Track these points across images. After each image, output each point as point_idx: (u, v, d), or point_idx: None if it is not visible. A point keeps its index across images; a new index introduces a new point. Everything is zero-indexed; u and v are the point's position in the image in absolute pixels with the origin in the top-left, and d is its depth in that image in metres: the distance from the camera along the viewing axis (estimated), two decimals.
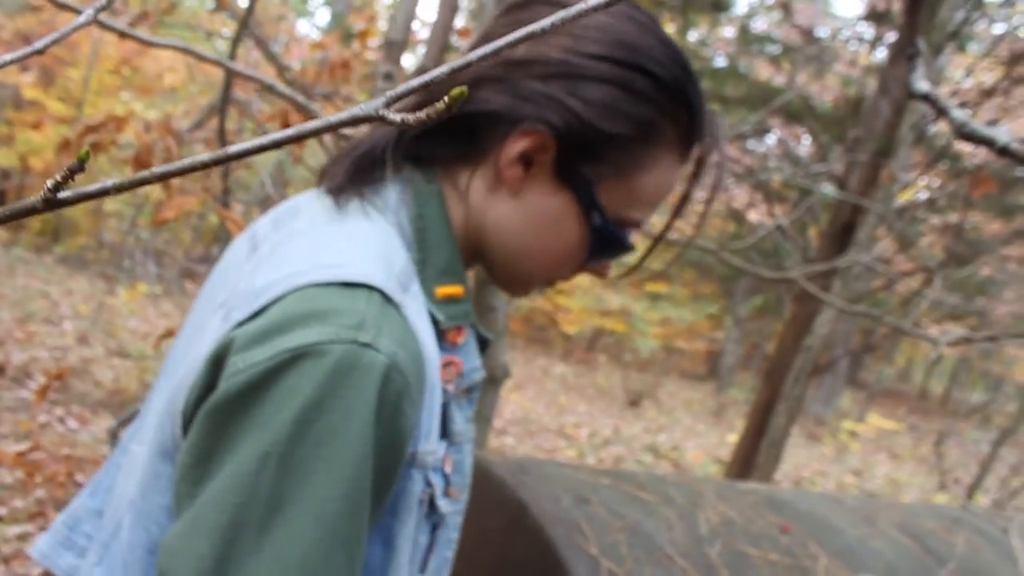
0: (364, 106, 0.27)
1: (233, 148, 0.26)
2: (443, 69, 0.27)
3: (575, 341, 15.67)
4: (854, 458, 10.31)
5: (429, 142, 0.82)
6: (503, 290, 0.93)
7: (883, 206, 4.40)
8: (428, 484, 0.75)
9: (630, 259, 0.99)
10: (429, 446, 0.73)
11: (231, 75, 2.03)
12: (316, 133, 0.26)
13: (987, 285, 8.94)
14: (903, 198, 6.49)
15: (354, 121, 0.27)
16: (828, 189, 4.75)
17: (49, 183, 0.26)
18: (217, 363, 0.66)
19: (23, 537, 3.33)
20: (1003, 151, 0.72)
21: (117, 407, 5.13)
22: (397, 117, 0.27)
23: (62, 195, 0.26)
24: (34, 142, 8.95)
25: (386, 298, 0.68)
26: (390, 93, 0.27)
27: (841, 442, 10.89)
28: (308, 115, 1.99)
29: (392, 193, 0.80)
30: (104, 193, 0.25)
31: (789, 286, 5.21)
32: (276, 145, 0.26)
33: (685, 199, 0.89)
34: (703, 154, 0.86)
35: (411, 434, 0.69)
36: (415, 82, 0.27)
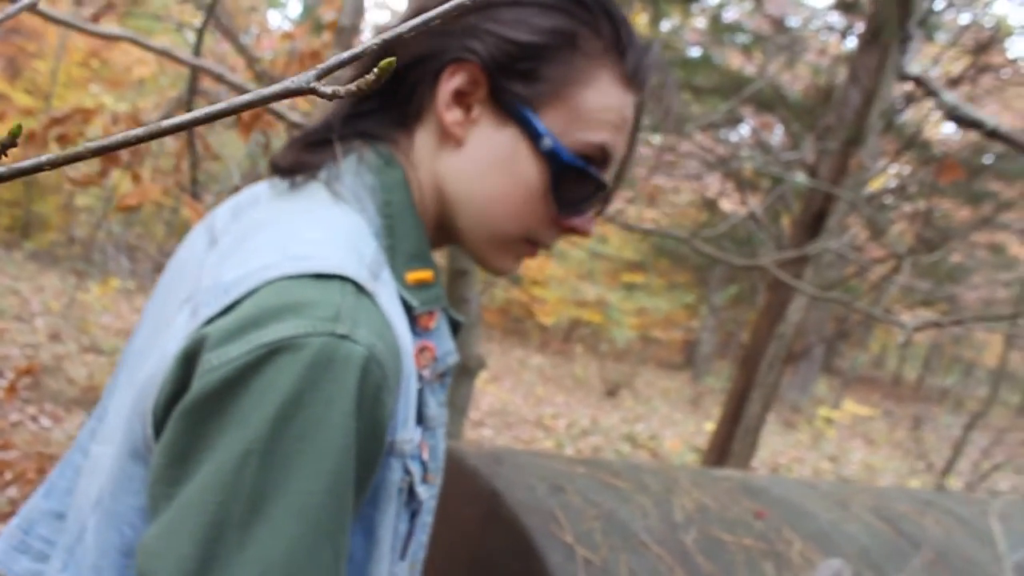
0: (295, 79, 0.27)
1: (166, 122, 0.25)
2: (374, 40, 0.27)
3: (552, 332, 15.71)
4: (830, 444, 10.42)
5: (371, 117, 0.82)
6: (485, 267, 0.89)
7: (854, 194, 4.44)
8: (407, 472, 0.74)
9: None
10: (407, 434, 0.72)
11: (195, 78, 2.01)
12: (248, 107, 0.26)
13: (957, 272, 9.05)
14: (873, 186, 6.54)
15: (286, 94, 0.27)
16: (799, 177, 4.79)
17: None
18: (189, 360, 0.65)
19: None
20: (992, 133, 0.72)
21: (90, 404, 5.08)
22: (328, 89, 0.27)
23: None
24: None
25: (359, 288, 0.67)
26: (321, 66, 0.27)
27: (817, 429, 11.00)
28: (270, 112, 1.98)
29: (349, 176, 0.79)
30: (39, 168, 0.25)
31: (763, 274, 5.25)
32: (209, 119, 0.26)
33: (636, 127, 0.87)
34: (640, 75, 0.84)
35: (390, 424, 0.69)
36: (346, 54, 0.27)
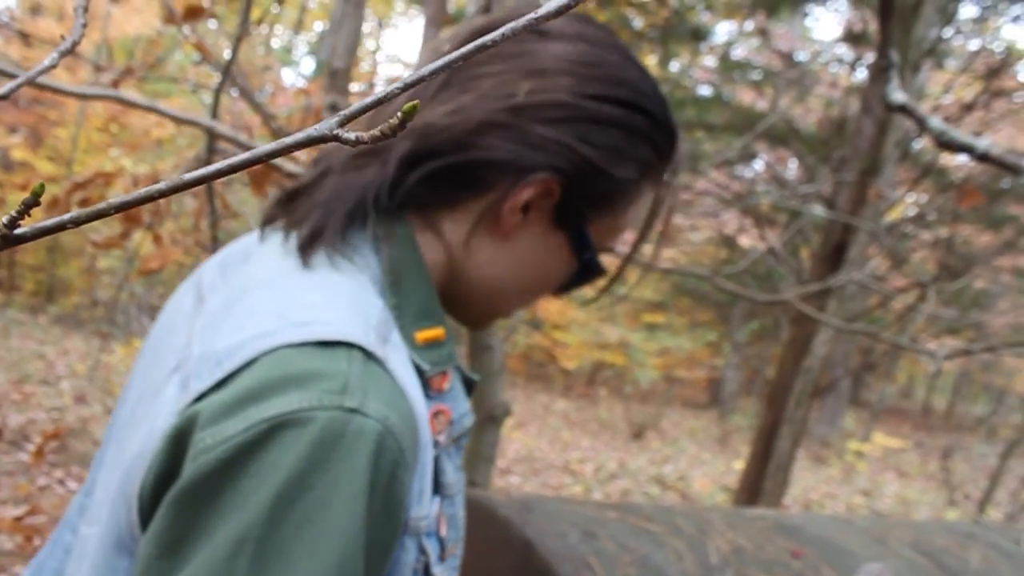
0: (318, 126, 0.27)
1: (188, 175, 0.25)
2: (396, 85, 0.27)
3: (575, 376, 15.63)
4: (862, 478, 10.25)
5: (424, 187, 0.76)
6: (464, 325, 0.88)
7: (873, 224, 4.42)
8: (423, 552, 0.69)
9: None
10: (422, 510, 0.67)
11: (211, 130, 2.04)
12: (271, 157, 0.25)
13: (982, 298, 8.96)
14: (892, 215, 6.52)
15: (309, 142, 0.26)
16: (817, 210, 4.77)
17: (4, 219, 0.25)
18: (179, 440, 0.59)
19: None
20: (983, 157, 0.71)
21: None
22: (351, 136, 0.26)
23: (19, 231, 0.25)
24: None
25: (368, 355, 0.62)
26: (344, 112, 0.26)
27: (848, 463, 10.83)
28: (280, 172, 2.00)
29: (357, 234, 0.75)
30: (62, 227, 0.24)
31: (785, 309, 5.21)
32: (232, 170, 0.25)
33: (652, 219, 0.87)
34: (670, 179, 0.85)
35: (406, 503, 0.63)
36: (369, 100, 0.26)
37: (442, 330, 0.75)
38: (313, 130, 0.26)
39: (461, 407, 0.78)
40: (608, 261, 0.87)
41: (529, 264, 0.80)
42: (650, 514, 2.01)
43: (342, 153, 0.78)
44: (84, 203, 2.18)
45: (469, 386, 0.84)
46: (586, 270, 0.82)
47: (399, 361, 0.66)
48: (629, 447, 10.05)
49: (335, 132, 0.26)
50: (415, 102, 0.26)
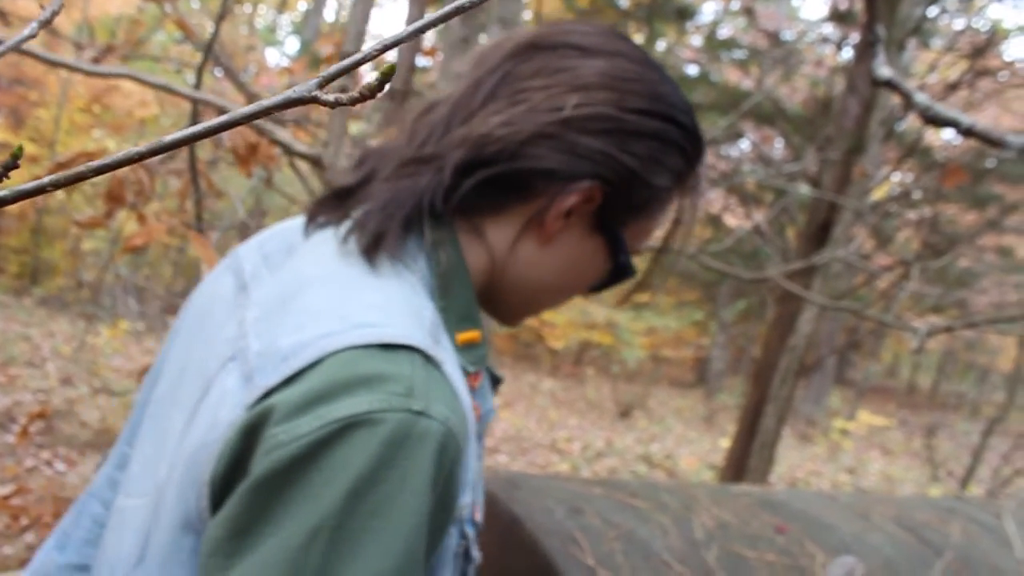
0: (297, 88, 0.27)
1: (168, 137, 0.25)
2: (374, 45, 0.27)
3: (562, 355, 15.67)
4: (847, 456, 10.34)
5: (474, 194, 0.80)
6: (500, 322, 0.92)
7: (858, 203, 4.44)
8: (463, 536, 0.74)
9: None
10: (464, 499, 0.72)
11: (197, 105, 2.02)
12: (251, 118, 0.26)
13: (966, 276, 9.02)
14: (877, 194, 6.54)
15: (288, 104, 0.26)
16: (803, 189, 4.79)
17: None
18: (249, 433, 0.63)
19: None
20: (968, 132, 0.72)
21: (104, 447, 5.08)
22: (331, 97, 0.27)
23: None
24: (5, 185, 8.88)
25: (427, 358, 0.66)
26: (323, 74, 0.27)
27: (833, 441, 10.91)
28: (273, 139, 1.99)
29: (409, 239, 0.78)
30: (41, 190, 0.25)
31: (771, 288, 5.24)
32: (209, 132, 0.26)
33: (680, 224, 0.92)
34: (695, 184, 0.90)
35: (459, 496, 0.68)
36: (347, 62, 0.27)
37: (479, 332, 0.79)
38: (292, 92, 0.26)
39: (488, 404, 0.84)
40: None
41: (568, 266, 0.85)
42: (635, 490, 2.02)
43: (386, 158, 0.82)
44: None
45: (495, 382, 0.89)
46: (619, 271, 0.87)
47: (451, 363, 0.70)
48: (616, 426, 10.10)
49: (314, 94, 0.27)
50: (392, 64, 0.27)
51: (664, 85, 0.82)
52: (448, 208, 0.79)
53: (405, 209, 0.77)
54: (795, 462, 9.33)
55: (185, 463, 0.67)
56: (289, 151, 2.06)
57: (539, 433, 8.61)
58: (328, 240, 0.79)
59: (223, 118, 0.25)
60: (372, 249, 0.75)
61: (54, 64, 1.33)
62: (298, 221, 0.89)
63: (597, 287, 0.90)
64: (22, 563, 3.44)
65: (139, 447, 0.81)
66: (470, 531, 0.75)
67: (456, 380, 0.68)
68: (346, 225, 0.78)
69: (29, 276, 10.65)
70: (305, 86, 0.27)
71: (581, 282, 0.87)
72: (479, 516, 0.78)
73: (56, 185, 0.24)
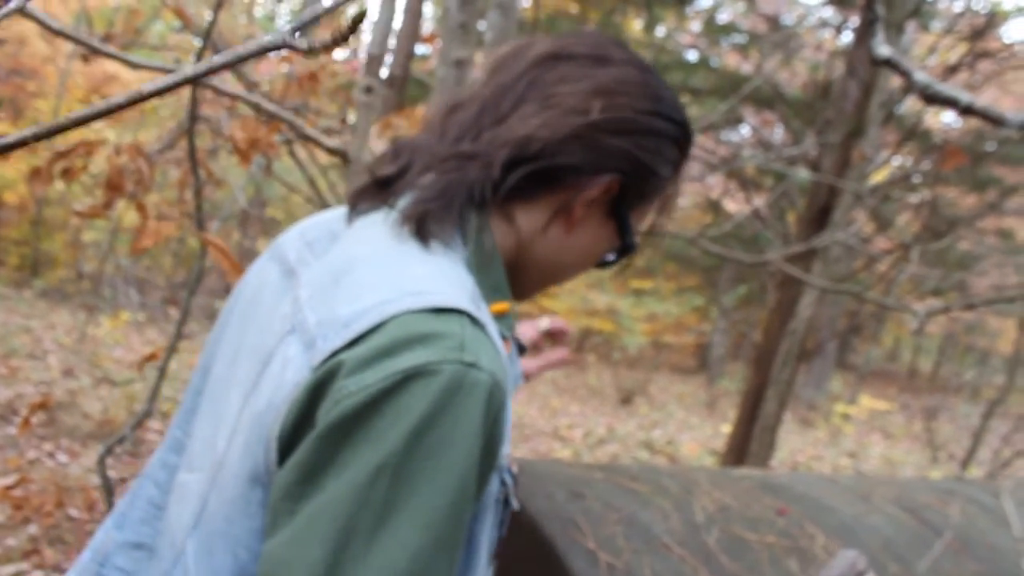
0: (272, 35, 0.27)
1: (146, 86, 0.26)
2: None
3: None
4: (848, 440, 10.36)
5: (515, 185, 0.90)
6: (515, 297, 1.00)
7: (858, 186, 4.43)
8: (503, 484, 0.82)
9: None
10: (505, 449, 0.79)
11: (196, 97, 2.02)
12: (227, 66, 0.26)
13: (966, 259, 9.01)
14: (877, 178, 6.53)
15: (263, 50, 0.27)
16: (803, 173, 4.78)
17: None
18: (317, 390, 0.71)
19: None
20: (967, 110, 0.72)
21: (106, 437, 5.09)
22: (303, 43, 0.27)
23: None
24: (6, 177, 8.88)
25: (473, 320, 0.75)
26: (297, 20, 0.27)
27: (834, 425, 10.93)
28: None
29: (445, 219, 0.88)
30: (23, 142, 0.25)
31: (772, 273, 5.24)
32: (191, 80, 0.26)
33: (669, 204, 1.04)
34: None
35: (503, 443, 0.76)
36: (319, 9, 0.27)
37: (508, 304, 0.90)
38: (267, 39, 0.27)
39: (516, 369, 0.95)
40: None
41: (585, 250, 0.97)
42: (636, 474, 2.03)
43: (419, 152, 0.92)
44: (66, 173, 2.16)
45: (520, 351, 1.01)
46: (623, 250, 0.99)
47: (492, 327, 0.79)
48: (618, 412, 10.11)
49: (287, 40, 0.27)
50: (364, 10, 0.28)
51: (663, 89, 0.94)
52: (495, 199, 0.89)
53: (460, 199, 0.87)
54: (796, 446, 9.35)
55: (251, 424, 0.77)
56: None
57: (541, 420, 8.62)
58: (374, 224, 0.88)
59: (202, 64, 0.26)
60: (425, 233, 0.84)
61: (55, 32, 1.32)
62: (336, 213, 0.99)
63: (603, 263, 1.00)
64: (25, 555, 3.45)
65: (198, 427, 0.91)
66: (508, 479, 0.83)
67: (497, 341, 0.78)
68: (396, 212, 0.87)
69: (30, 268, 10.65)
70: (279, 33, 0.27)
71: (591, 260, 0.98)
72: (515, 467, 0.86)
73: (37, 137, 0.25)
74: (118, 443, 2.25)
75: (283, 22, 18.36)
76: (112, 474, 4.29)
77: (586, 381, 12.53)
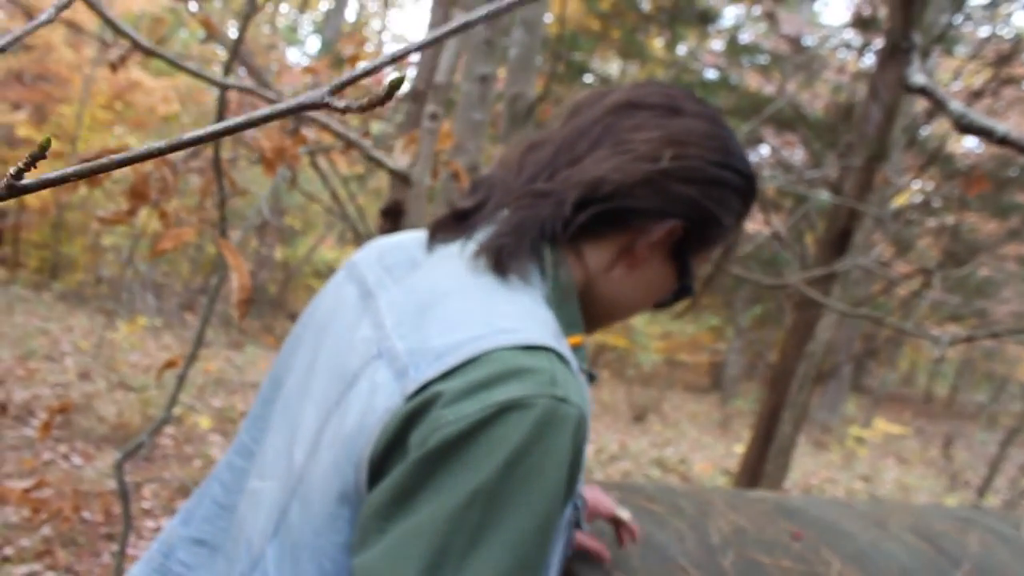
0: (310, 94, 0.28)
1: (186, 135, 0.26)
2: (384, 57, 0.28)
3: None
4: (862, 464, 10.28)
5: (582, 224, 0.94)
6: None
7: (879, 210, 4.40)
8: (575, 509, 0.87)
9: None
10: (581, 478, 0.82)
11: (223, 103, 2.04)
12: (264, 121, 0.27)
13: (986, 286, 8.94)
14: (899, 202, 6.50)
15: (301, 108, 0.27)
16: (823, 195, 4.76)
17: (12, 170, 0.27)
18: (412, 418, 0.74)
19: None
20: (1003, 140, 0.72)
21: (121, 441, 5.11)
22: (341, 103, 0.28)
23: (23, 182, 0.26)
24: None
25: (560, 357, 0.78)
26: (335, 81, 0.28)
27: (848, 448, 10.85)
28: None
29: (529, 259, 0.91)
30: (64, 180, 0.25)
31: (789, 294, 5.21)
32: (229, 131, 0.27)
33: (730, 250, 1.11)
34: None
35: (582, 471, 0.80)
36: (358, 70, 0.28)
37: (582, 337, 0.93)
38: (305, 97, 0.27)
39: (588, 397, 0.95)
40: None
41: (647, 289, 1.01)
42: (652, 494, 2.02)
43: (496, 188, 0.98)
44: (91, 180, 2.18)
45: (590, 380, 1.02)
46: (682, 291, 1.03)
47: (574, 362, 0.83)
48: (631, 430, 10.08)
49: (326, 100, 0.28)
50: (401, 76, 0.28)
51: (732, 141, 0.98)
52: (565, 236, 0.94)
53: (532, 234, 0.91)
54: (810, 469, 9.28)
55: (341, 445, 0.79)
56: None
57: None
58: (453, 256, 0.92)
59: (241, 119, 0.26)
60: (501, 266, 0.88)
61: (118, 31, 1.34)
62: (413, 236, 1.04)
63: (660, 304, 1.05)
64: (38, 555, 3.47)
65: (271, 437, 0.95)
66: (580, 504, 0.89)
67: (580, 376, 0.82)
68: (474, 244, 0.92)
69: (49, 271, 10.74)
70: (317, 92, 0.28)
71: (652, 300, 1.03)
72: (585, 493, 0.92)
73: (79, 175, 0.25)
74: (136, 450, 2.26)
75: (305, 32, 18.50)
76: (127, 479, 4.31)
77: (599, 397, 12.50)
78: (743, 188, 0.98)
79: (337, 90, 0.29)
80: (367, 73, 0.29)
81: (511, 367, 0.74)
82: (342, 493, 0.79)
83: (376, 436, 0.76)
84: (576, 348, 0.91)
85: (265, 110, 0.28)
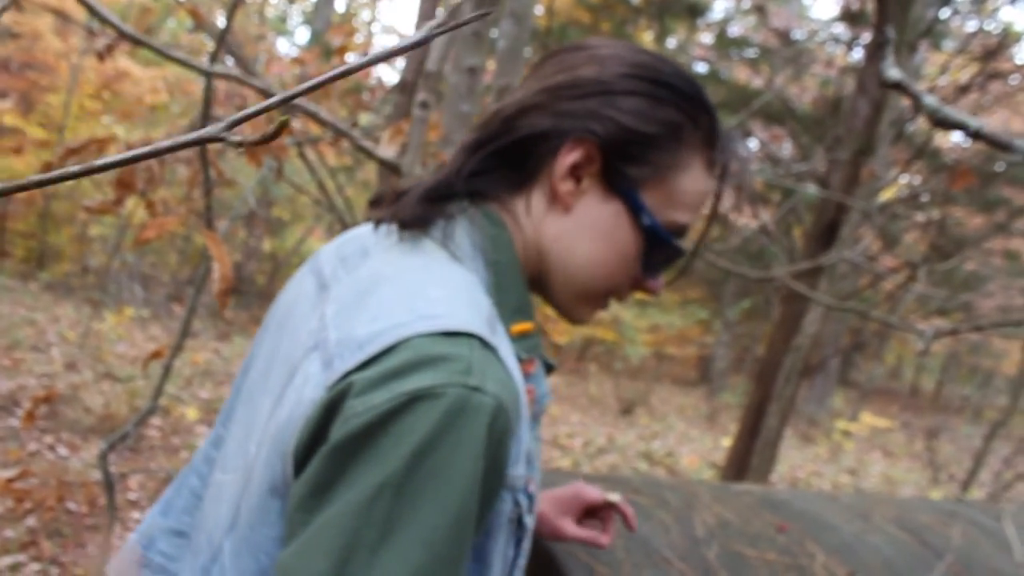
0: (209, 128, 0.29)
1: (98, 161, 0.26)
2: (279, 97, 0.29)
3: (565, 351, 15.66)
4: (849, 457, 10.34)
5: (490, 176, 0.90)
6: (566, 318, 0.99)
7: (866, 204, 4.42)
8: (516, 504, 0.82)
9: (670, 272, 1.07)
10: (518, 470, 0.80)
11: (210, 92, 2.02)
12: (166, 151, 0.27)
13: (972, 280, 9.00)
14: (885, 196, 6.52)
15: (198, 141, 0.28)
16: (811, 189, 4.78)
17: None
18: (330, 408, 0.72)
19: (15, 567, 3.30)
20: (976, 135, 0.72)
21: (107, 432, 5.09)
22: (236, 138, 0.28)
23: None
24: (15, 169, 8.89)
25: (484, 343, 0.75)
26: (232, 117, 0.28)
27: (835, 442, 10.91)
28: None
29: (464, 238, 0.87)
30: (51, 181, 0.26)
31: (776, 288, 5.23)
32: (136, 159, 0.27)
33: (715, 208, 0.97)
34: (725, 163, 0.94)
35: (508, 463, 0.76)
36: (255, 108, 0.28)
37: (532, 324, 0.89)
38: (205, 131, 0.28)
39: (542, 388, 0.93)
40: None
41: (596, 233, 0.91)
42: (638, 486, 2.03)
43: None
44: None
45: (548, 369, 0.98)
46: (657, 240, 0.91)
47: (505, 349, 0.79)
48: (618, 423, 10.10)
49: (222, 135, 0.28)
50: (286, 118, 0.29)
51: (655, 60, 0.89)
52: (468, 187, 0.89)
53: (431, 193, 0.88)
54: (796, 462, 9.33)
55: (272, 437, 0.78)
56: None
57: (541, 428, 8.60)
58: (393, 238, 0.89)
59: (145, 149, 0.27)
60: (413, 236, 0.86)
61: (104, 22, 1.33)
62: (370, 227, 0.99)
63: (647, 267, 0.94)
64: (23, 546, 3.45)
65: (233, 429, 0.94)
66: (523, 500, 0.83)
67: (510, 364, 0.77)
68: (395, 220, 0.88)
69: (35, 261, 10.67)
70: (216, 127, 0.28)
71: (619, 254, 0.91)
72: (533, 488, 0.86)
73: (64, 177, 0.25)
74: (121, 440, 2.25)
75: (294, 23, 18.41)
76: (112, 470, 4.29)
77: (587, 390, 12.52)
78: (667, 96, 0.88)
79: (233, 125, 0.30)
80: (258, 112, 0.30)
81: (425, 355, 0.71)
82: (272, 486, 0.78)
83: (300, 427, 0.74)
84: (525, 335, 0.87)
85: (167, 141, 0.29)
